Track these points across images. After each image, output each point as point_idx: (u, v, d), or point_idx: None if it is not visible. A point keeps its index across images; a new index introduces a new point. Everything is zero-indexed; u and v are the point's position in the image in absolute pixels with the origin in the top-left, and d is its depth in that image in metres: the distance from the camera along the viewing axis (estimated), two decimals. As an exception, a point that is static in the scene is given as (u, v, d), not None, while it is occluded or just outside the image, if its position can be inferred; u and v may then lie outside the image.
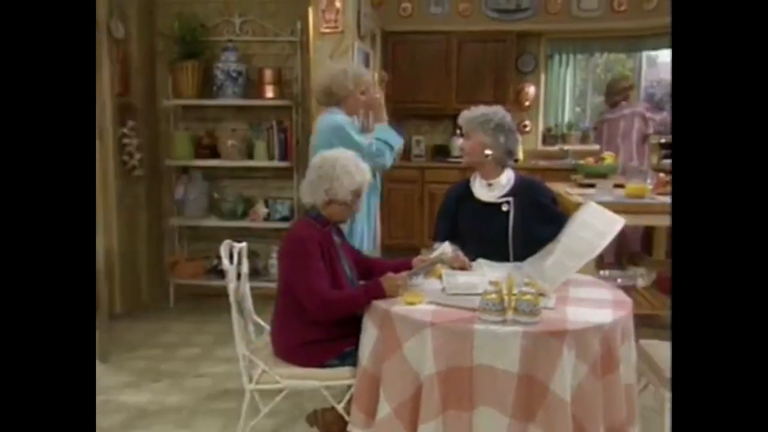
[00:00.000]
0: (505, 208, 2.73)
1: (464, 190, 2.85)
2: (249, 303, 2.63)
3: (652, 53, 6.87)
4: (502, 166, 2.79)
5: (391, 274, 2.26)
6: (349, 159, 2.41)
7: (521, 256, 2.62)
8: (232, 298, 2.40)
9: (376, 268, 2.52)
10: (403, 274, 2.28)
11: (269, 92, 4.55)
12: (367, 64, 4.97)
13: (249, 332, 2.60)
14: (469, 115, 2.78)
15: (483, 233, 2.73)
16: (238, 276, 2.52)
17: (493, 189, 2.78)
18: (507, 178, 2.79)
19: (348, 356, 2.32)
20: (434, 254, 2.50)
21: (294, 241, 2.35)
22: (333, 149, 2.52)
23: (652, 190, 3.84)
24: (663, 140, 5.84)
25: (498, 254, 2.67)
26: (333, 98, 3.05)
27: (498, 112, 2.77)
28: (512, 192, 2.75)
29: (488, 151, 2.73)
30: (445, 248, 2.44)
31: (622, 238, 5.39)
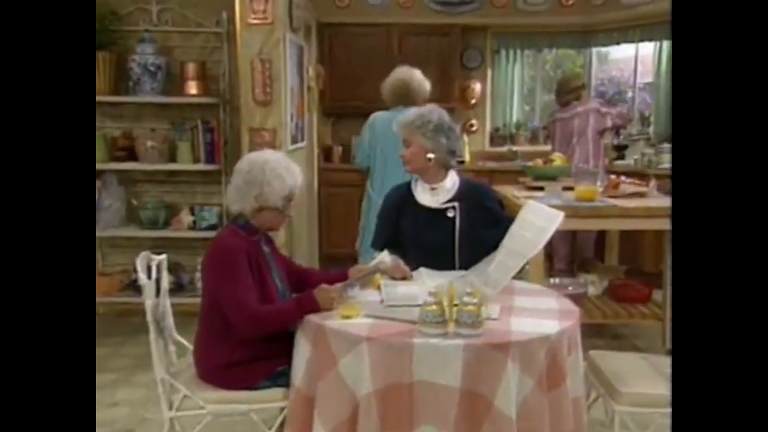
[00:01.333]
0: (450, 213, 2.77)
1: (406, 195, 2.87)
2: (169, 321, 2.59)
3: (603, 49, 7.13)
4: (446, 169, 2.83)
5: (324, 286, 2.27)
6: (280, 161, 2.41)
7: (468, 264, 2.67)
8: (149, 317, 2.36)
9: (310, 279, 2.52)
10: (338, 285, 2.30)
11: (193, 88, 4.49)
12: (301, 59, 4.98)
13: (170, 353, 2.56)
14: (404, 120, 2.81)
15: (427, 241, 2.76)
16: (158, 292, 2.48)
17: (437, 194, 2.81)
18: (452, 181, 2.83)
19: (279, 376, 2.31)
20: (372, 264, 2.53)
21: (219, 251, 2.33)
22: (264, 151, 2.53)
23: (603, 193, 3.97)
24: (616, 141, 6.07)
25: (443, 262, 2.71)
26: (409, 98, 3.94)
27: (434, 111, 2.80)
28: (457, 196, 2.80)
29: (431, 155, 2.75)
30: (384, 257, 2.47)
31: (574, 243, 5.57)
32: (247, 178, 2.36)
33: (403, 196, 2.88)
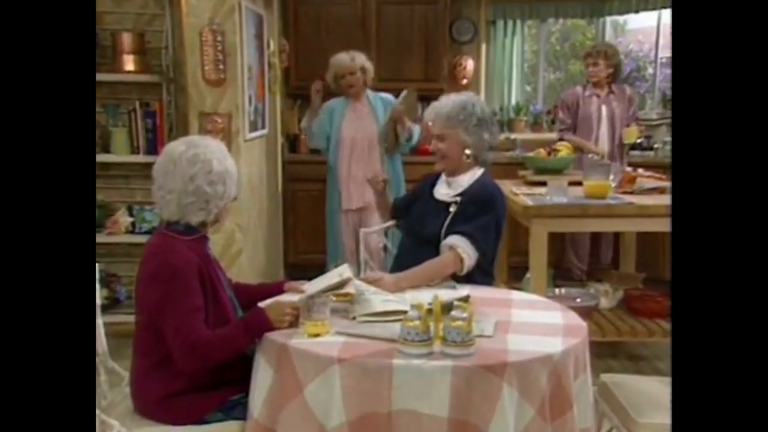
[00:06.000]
0: (452, 208, 2.93)
1: (430, 183, 3.15)
2: (102, 344, 2.58)
3: (619, 18, 7.18)
4: (482, 166, 3.03)
5: (279, 300, 2.27)
6: (212, 141, 2.44)
7: None
8: (77, 338, 2.35)
9: (239, 294, 2.55)
10: (295, 298, 2.30)
11: (129, 64, 4.46)
12: (260, 31, 4.97)
13: (101, 383, 2.55)
14: (443, 110, 2.95)
15: (421, 231, 2.97)
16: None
17: (450, 187, 3.03)
18: (470, 177, 3.00)
19: (234, 407, 2.32)
20: (328, 275, 2.52)
21: (166, 270, 2.27)
22: (183, 139, 2.47)
23: (616, 188, 4.01)
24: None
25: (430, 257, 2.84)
26: None
27: (476, 101, 2.99)
28: (465, 191, 2.96)
29: (468, 151, 2.95)
30: (343, 270, 2.48)
31: (577, 247, 5.63)
32: (211, 179, 2.31)
33: (429, 181, 3.17)
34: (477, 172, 3.02)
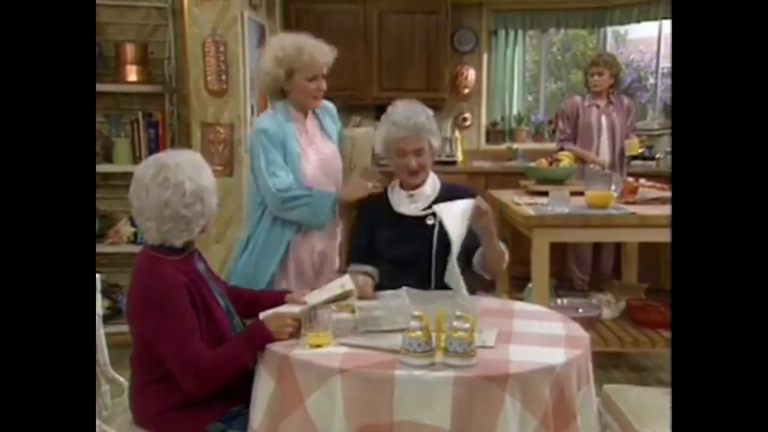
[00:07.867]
0: (430, 221, 2.83)
1: (382, 204, 2.96)
2: (104, 355, 2.57)
3: (620, 28, 7.20)
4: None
5: (279, 311, 2.26)
6: (183, 155, 2.37)
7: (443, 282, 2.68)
8: (78, 349, 2.34)
9: (241, 298, 2.55)
10: (296, 310, 2.29)
11: (131, 74, 4.49)
12: (262, 41, 4.99)
13: (103, 393, 2.54)
14: (419, 122, 2.80)
15: (403, 253, 2.84)
16: (89, 318, 2.46)
17: (415, 200, 2.92)
18: (432, 183, 2.94)
19: (235, 418, 2.30)
20: (329, 286, 2.52)
21: (154, 294, 2.24)
22: (152, 160, 2.34)
23: (618, 198, 4.01)
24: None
25: (419, 276, 2.78)
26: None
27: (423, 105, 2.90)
28: (437, 201, 2.84)
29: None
30: (344, 281, 2.47)
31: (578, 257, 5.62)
32: (185, 201, 2.26)
33: (378, 205, 2.96)
34: (435, 179, 2.96)
